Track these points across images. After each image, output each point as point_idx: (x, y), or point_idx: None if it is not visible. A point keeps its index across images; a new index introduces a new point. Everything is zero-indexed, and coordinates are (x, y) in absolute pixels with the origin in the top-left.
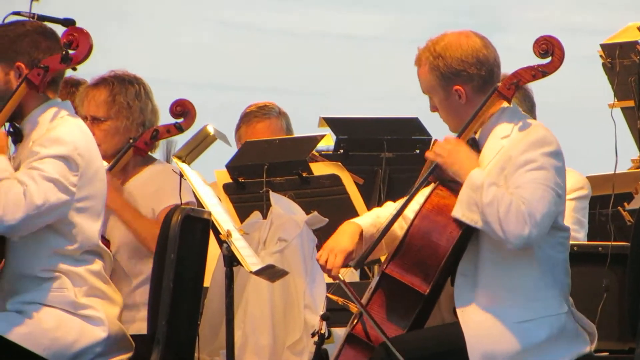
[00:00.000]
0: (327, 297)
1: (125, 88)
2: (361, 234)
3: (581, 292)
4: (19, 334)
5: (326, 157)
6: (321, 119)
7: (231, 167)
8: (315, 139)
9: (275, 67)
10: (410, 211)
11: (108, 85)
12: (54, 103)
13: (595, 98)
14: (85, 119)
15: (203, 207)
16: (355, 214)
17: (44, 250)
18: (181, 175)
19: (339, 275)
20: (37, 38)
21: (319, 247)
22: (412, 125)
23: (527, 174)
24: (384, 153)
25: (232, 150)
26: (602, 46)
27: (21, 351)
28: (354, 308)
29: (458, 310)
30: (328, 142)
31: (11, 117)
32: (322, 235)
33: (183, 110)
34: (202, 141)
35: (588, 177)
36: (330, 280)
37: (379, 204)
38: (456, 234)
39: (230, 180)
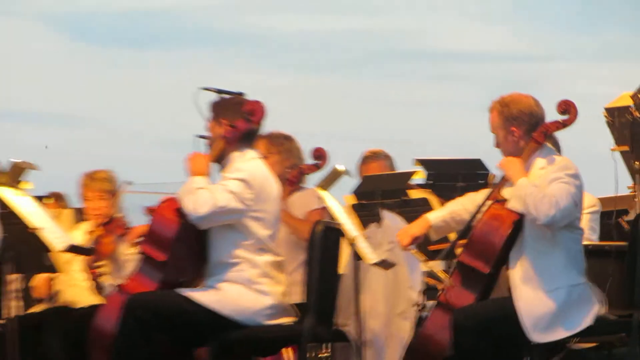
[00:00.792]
0: (423, 280)
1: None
2: (430, 226)
3: (594, 278)
4: (212, 301)
5: (419, 186)
6: (415, 160)
7: (356, 193)
8: (411, 174)
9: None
10: (470, 202)
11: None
12: (244, 149)
13: (602, 144)
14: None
15: (335, 220)
16: None
17: (228, 243)
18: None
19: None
20: (235, 107)
21: None
22: (477, 164)
23: (555, 184)
24: (459, 183)
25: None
26: (606, 109)
27: (214, 313)
28: (439, 286)
29: (511, 287)
30: (420, 175)
31: (218, 157)
32: None
33: (320, 154)
34: (333, 175)
35: (599, 198)
36: (425, 269)
37: None
38: (505, 234)
39: (356, 202)
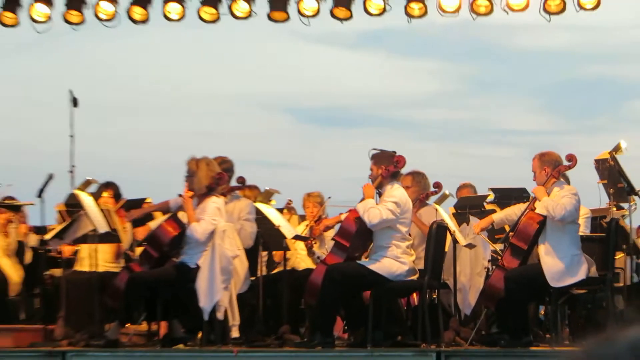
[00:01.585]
0: (490, 254)
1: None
2: (492, 221)
3: (587, 252)
4: (376, 267)
5: (490, 203)
6: (489, 189)
7: (455, 206)
8: (486, 196)
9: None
10: (517, 210)
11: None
12: (393, 183)
13: (594, 179)
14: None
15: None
16: None
17: (386, 236)
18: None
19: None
20: (389, 158)
21: None
22: (523, 190)
23: (564, 198)
24: (513, 201)
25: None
26: (595, 160)
27: (377, 274)
28: (499, 257)
29: (540, 256)
30: (490, 197)
31: (378, 187)
32: None
33: (437, 185)
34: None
35: (590, 209)
36: (492, 248)
37: None
38: (536, 227)
39: (455, 212)
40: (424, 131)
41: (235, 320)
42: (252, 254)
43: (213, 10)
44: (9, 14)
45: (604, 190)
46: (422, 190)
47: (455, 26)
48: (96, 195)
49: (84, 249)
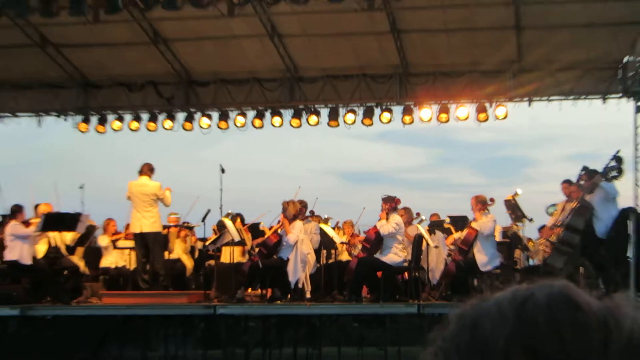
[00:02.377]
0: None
1: None
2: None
3: None
4: (384, 259)
5: (448, 224)
6: (448, 216)
7: (429, 226)
8: (444, 220)
9: None
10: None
11: None
12: (394, 213)
13: (503, 210)
14: None
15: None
16: None
17: (386, 241)
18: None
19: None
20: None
21: None
22: (465, 217)
23: (487, 222)
24: (459, 223)
25: None
26: (504, 200)
27: (385, 263)
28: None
29: (475, 253)
30: (447, 220)
31: None
32: None
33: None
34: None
35: (502, 227)
36: (449, 248)
37: None
38: (473, 237)
39: (428, 228)
40: (411, 185)
41: (308, 288)
42: (317, 252)
43: (298, 121)
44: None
45: (509, 216)
46: (409, 217)
47: (430, 128)
48: (233, 220)
49: (225, 250)
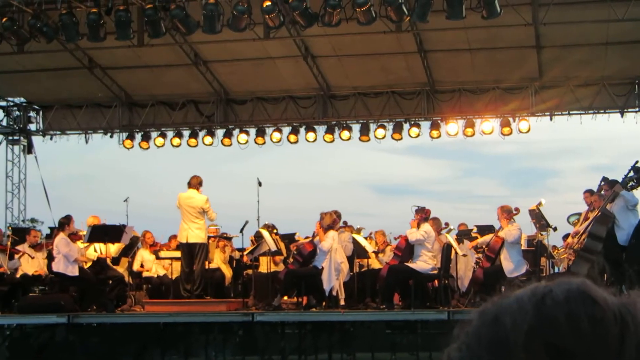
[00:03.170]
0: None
1: None
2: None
3: None
4: (415, 266)
5: (475, 232)
6: (475, 225)
7: (457, 235)
8: (472, 229)
9: None
10: (488, 237)
11: None
12: (424, 222)
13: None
14: None
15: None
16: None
17: (417, 249)
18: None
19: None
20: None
21: None
22: (492, 226)
23: (513, 231)
24: (486, 232)
25: None
26: (529, 210)
27: (415, 271)
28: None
29: (501, 260)
30: (475, 229)
31: None
32: None
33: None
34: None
35: (527, 235)
36: (477, 256)
37: None
38: (499, 245)
39: (456, 237)
40: (439, 196)
41: (342, 295)
42: (350, 260)
43: (331, 136)
44: (227, 141)
45: (534, 225)
46: (438, 227)
47: (454, 142)
48: (269, 231)
49: (263, 259)
